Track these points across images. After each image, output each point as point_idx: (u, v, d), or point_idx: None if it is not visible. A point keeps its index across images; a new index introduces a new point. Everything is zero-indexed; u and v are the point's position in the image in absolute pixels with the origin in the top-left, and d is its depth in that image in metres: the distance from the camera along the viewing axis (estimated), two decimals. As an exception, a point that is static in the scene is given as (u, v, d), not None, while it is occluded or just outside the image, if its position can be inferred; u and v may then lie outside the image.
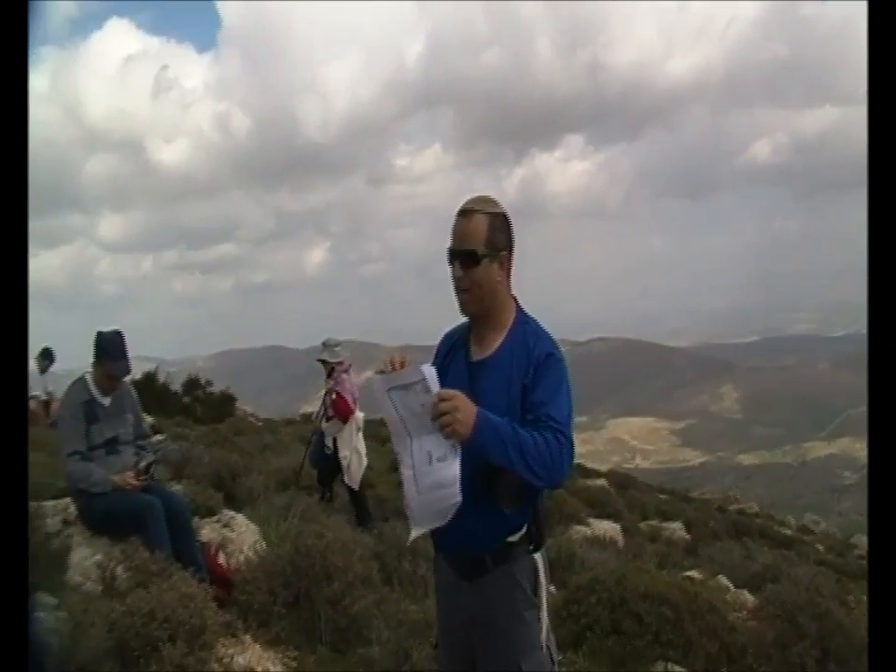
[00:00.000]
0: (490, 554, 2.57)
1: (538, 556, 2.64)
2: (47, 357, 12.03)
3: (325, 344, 8.83)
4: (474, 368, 2.63)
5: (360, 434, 8.97)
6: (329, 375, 8.81)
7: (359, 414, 8.96)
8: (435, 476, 2.35)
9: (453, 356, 2.75)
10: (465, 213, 2.60)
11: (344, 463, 8.72)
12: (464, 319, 2.74)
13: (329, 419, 8.87)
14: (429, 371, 2.35)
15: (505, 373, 2.54)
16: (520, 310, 2.69)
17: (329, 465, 8.85)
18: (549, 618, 2.65)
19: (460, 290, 2.61)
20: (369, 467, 12.59)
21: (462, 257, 2.57)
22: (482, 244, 2.55)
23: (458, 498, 2.32)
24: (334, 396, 8.72)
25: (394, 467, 11.67)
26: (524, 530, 2.58)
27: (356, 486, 8.86)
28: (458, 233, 2.60)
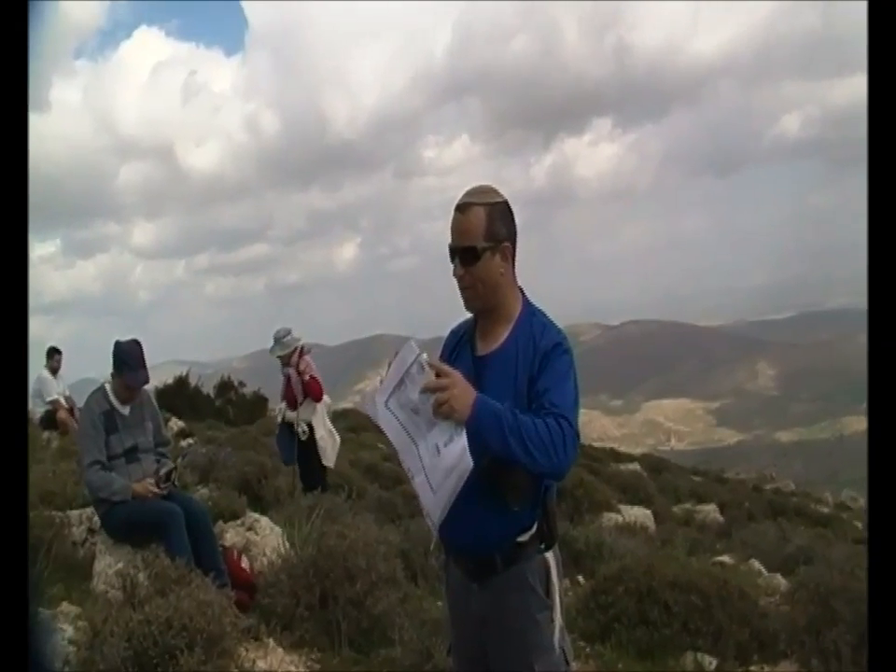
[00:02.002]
0: (500, 554, 2.51)
1: (549, 556, 2.58)
2: (53, 353, 12.06)
3: (276, 339, 8.96)
4: (480, 362, 2.57)
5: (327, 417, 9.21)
6: (287, 364, 8.95)
7: (326, 397, 9.18)
8: (445, 462, 2.27)
9: (459, 351, 2.69)
10: (461, 207, 2.52)
11: (321, 444, 8.83)
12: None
13: (295, 406, 8.97)
14: (423, 355, 2.33)
15: (511, 367, 2.48)
16: (526, 302, 2.62)
17: (306, 455, 8.91)
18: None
19: (462, 288, 2.55)
20: (399, 463, 12.60)
21: (461, 254, 2.50)
22: (480, 238, 2.48)
23: (470, 464, 2.22)
24: (307, 378, 8.86)
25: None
26: (534, 529, 2.52)
27: (331, 465, 9.04)
28: (456, 229, 2.53)
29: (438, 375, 2.29)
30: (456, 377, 2.29)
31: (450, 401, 2.24)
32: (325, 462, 8.89)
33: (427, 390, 2.27)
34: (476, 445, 2.25)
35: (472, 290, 2.54)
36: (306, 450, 8.86)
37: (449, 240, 2.55)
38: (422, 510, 2.43)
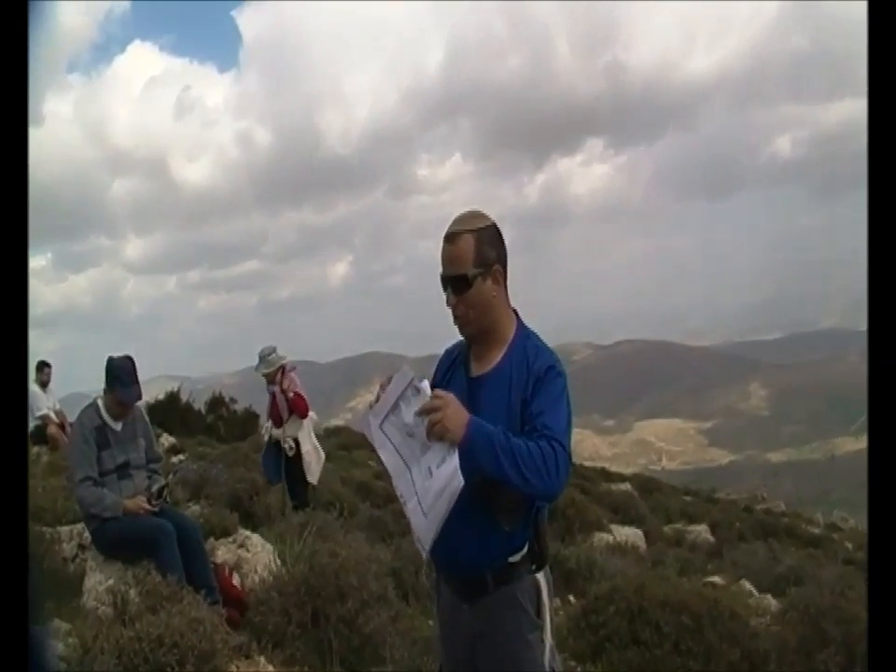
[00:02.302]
0: (491, 574, 2.52)
1: (540, 576, 2.59)
2: (42, 367, 11.97)
3: (260, 357, 8.99)
4: (474, 384, 2.59)
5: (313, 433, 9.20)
6: (272, 382, 8.98)
7: (312, 413, 9.17)
8: (436, 484, 2.30)
9: (453, 372, 2.71)
10: (449, 237, 2.55)
11: (307, 459, 8.84)
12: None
13: (282, 423, 8.98)
14: (416, 379, 2.35)
15: (505, 389, 2.50)
16: (520, 324, 2.65)
17: (293, 472, 8.92)
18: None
19: (455, 316, 2.58)
20: (391, 482, 12.61)
21: (453, 283, 2.53)
22: (470, 265, 2.50)
23: (461, 483, 2.25)
24: (292, 395, 8.88)
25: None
26: (525, 550, 2.54)
27: (315, 481, 9.01)
28: (446, 259, 2.55)
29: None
30: (449, 398, 2.31)
31: (443, 422, 2.25)
32: (309, 478, 8.89)
33: (422, 412, 2.29)
34: (469, 466, 2.26)
35: (465, 318, 2.56)
36: (293, 466, 8.89)
37: (441, 262, 2.58)
38: (413, 534, 2.45)
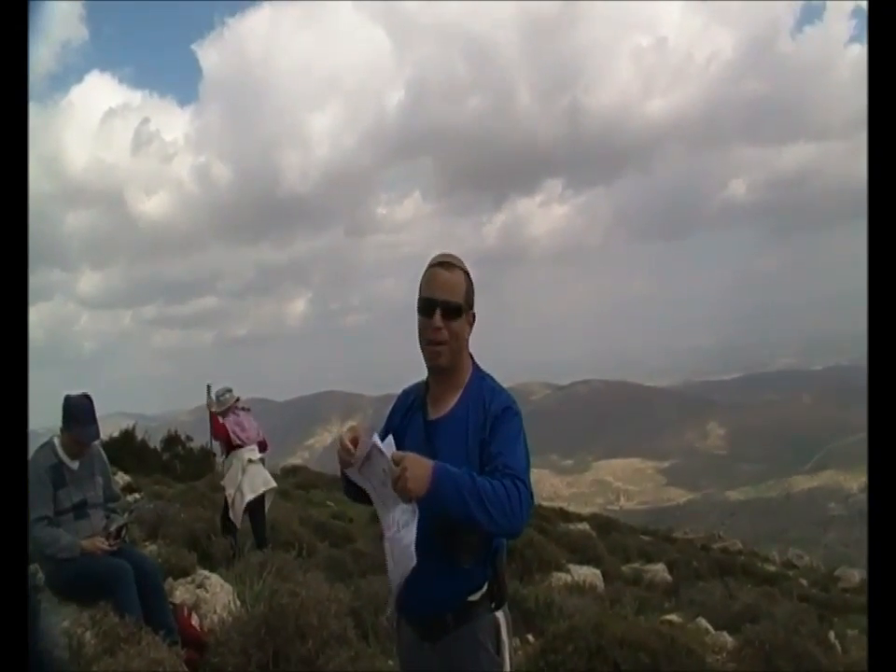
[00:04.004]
0: (451, 613, 2.55)
1: (499, 614, 2.62)
2: None
3: (216, 397, 9.18)
4: (431, 426, 2.63)
5: (253, 469, 9.07)
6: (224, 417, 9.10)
7: (244, 452, 9.06)
8: (402, 542, 2.37)
9: (411, 416, 2.74)
10: (447, 265, 2.61)
11: (228, 500, 8.90)
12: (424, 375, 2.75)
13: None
14: (376, 439, 2.40)
15: (462, 430, 2.55)
16: (476, 366, 2.70)
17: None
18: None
19: (438, 342, 2.57)
20: (349, 520, 12.51)
21: (445, 307, 2.56)
22: (461, 298, 2.58)
23: (413, 563, 2.34)
24: (211, 423, 9.08)
25: (374, 519, 11.78)
26: (484, 588, 2.57)
27: (237, 523, 8.96)
28: (441, 284, 2.58)
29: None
30: (408, 461, 2.30)
31: (405, 487, 2.27)
32: (231, 517, 8.92)
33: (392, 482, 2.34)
34: (436, 511, 2.31)
35: (446, 345, 2.58)
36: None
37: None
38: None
